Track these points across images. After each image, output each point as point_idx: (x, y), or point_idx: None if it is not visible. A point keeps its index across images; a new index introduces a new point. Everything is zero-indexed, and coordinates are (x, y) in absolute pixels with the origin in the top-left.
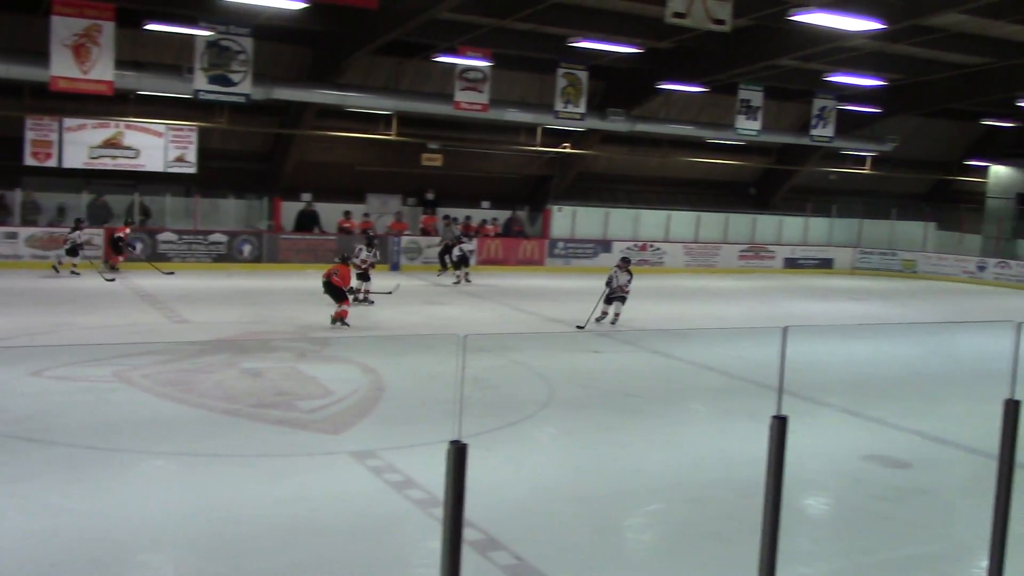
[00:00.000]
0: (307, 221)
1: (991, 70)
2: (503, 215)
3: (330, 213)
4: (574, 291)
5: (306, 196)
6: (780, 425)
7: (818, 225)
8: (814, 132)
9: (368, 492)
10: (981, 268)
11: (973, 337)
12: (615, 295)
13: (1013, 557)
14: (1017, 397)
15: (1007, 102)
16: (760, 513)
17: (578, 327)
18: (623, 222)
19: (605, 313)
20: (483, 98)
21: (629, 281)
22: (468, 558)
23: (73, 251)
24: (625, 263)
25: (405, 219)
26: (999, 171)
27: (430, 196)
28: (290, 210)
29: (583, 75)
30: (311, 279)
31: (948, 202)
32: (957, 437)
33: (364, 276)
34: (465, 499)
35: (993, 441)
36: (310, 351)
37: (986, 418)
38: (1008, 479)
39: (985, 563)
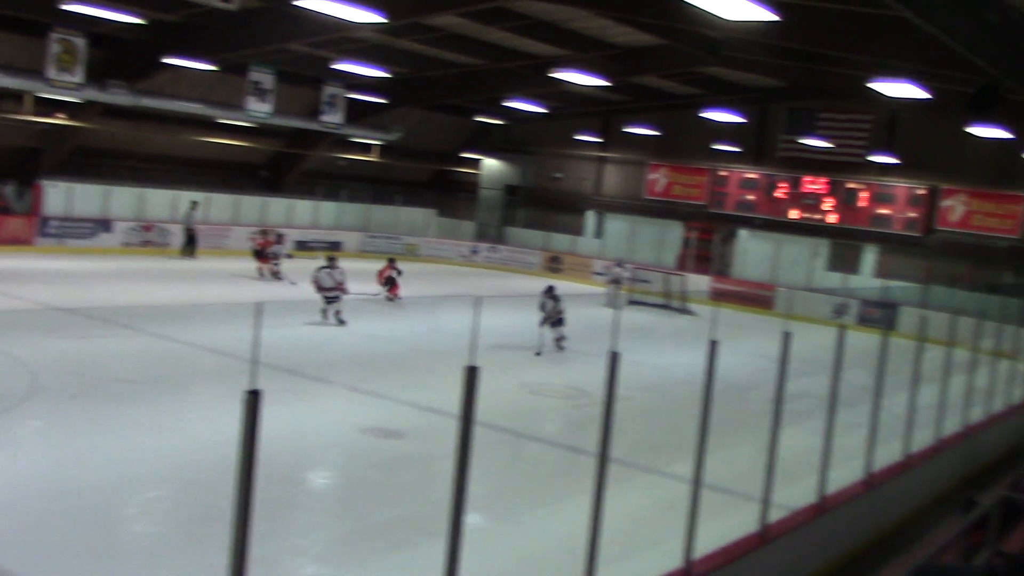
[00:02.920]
0: None
1: (483, 71)
2: None
3: None
4: (71, 273)
5: None
6: (253, 399)
7: (328, 209)
8: (324, 118)
9: None
10: (475, 252)
11: (458, 313)
12: (553, 320)
13: (479, 505)
14: (477, 364)
15: (496, 101)
16: (262, 491)
17: (537, 354)
18: (126, 201)
19: (560, 338)
20: None
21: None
22: None
23: None
24: (550, 291)
25: None
26: (490, 164)
27: None
28: None
29: (80, 42)
30: None
31: (447, 191)
32: (446, 405)
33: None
34: None
35: (478, 407)
36: None
37: (457, 386)
38: (466, 439)
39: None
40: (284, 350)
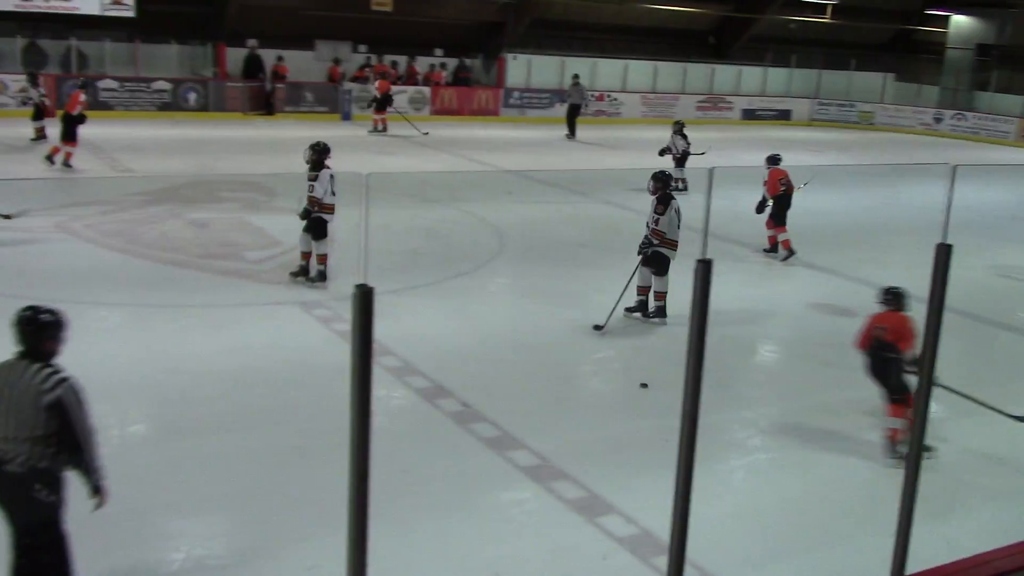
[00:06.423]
0: (252, 67)
1: None
2: (454, 63)
3: (287, 62)
4: (529, 142)
5: (252, 42)
6: (705, 268)
7: (776, 76)
8: None
9: (314, 342)
10: (938, 120)
11: (921, 186)
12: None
13: (938, 393)
14: (950, 241)
15: None
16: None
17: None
18: (579, 71)
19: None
20: None
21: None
22: (417, 406)
23: (38, 115)
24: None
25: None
26: (960, 21)
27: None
28: (235, 56)
29: None
30: (260, 128)
31: (908, 53)
32: (902, 284)
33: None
34: (374, 345)
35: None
36: (258, 201)
37: (928, 266)
38: (936, 324)
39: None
40: (733, 216)
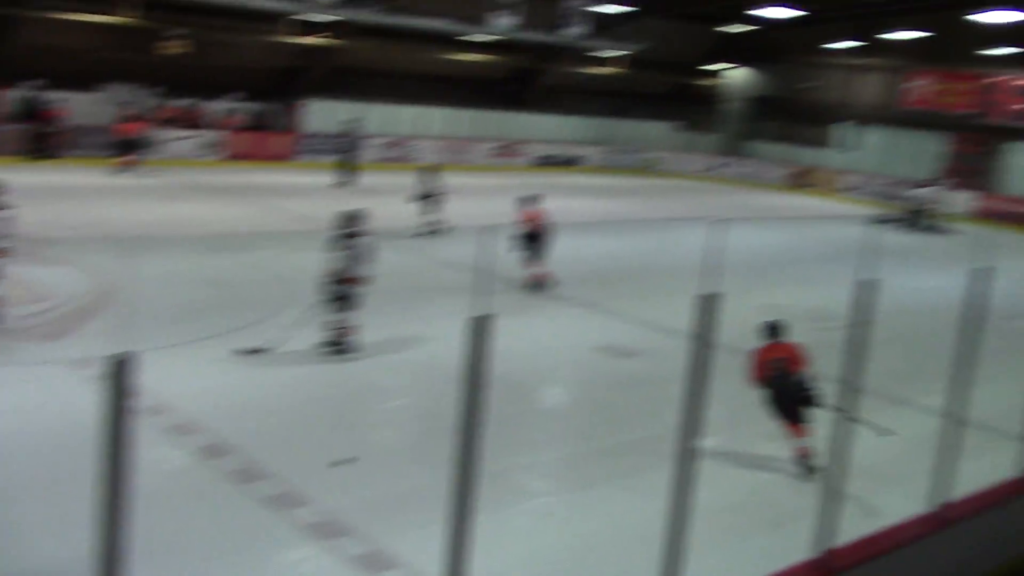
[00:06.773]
0: (29, 109)
1: None
2: (250, 108)
3: (73, 104)
4: (322, 188)
5: (35, 83)
6: (482, 323)
7: (569, 124)
8: (566, 31)
9: (83, 404)
10: (717, 167)
11: (696, 232)
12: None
13: (715, 430)
14: (722, 284)
15: (737, 8)
16: (495, 407)
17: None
18: (377, 118)
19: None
20: None
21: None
22: (194, 466)
23: None
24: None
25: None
26: (733, 75)
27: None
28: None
29: None
30: (37, 174)
31: (689, 103)
32: (684, 326)
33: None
34: (132, 415)
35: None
36: (25, 251)
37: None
38: (703, 367)
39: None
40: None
